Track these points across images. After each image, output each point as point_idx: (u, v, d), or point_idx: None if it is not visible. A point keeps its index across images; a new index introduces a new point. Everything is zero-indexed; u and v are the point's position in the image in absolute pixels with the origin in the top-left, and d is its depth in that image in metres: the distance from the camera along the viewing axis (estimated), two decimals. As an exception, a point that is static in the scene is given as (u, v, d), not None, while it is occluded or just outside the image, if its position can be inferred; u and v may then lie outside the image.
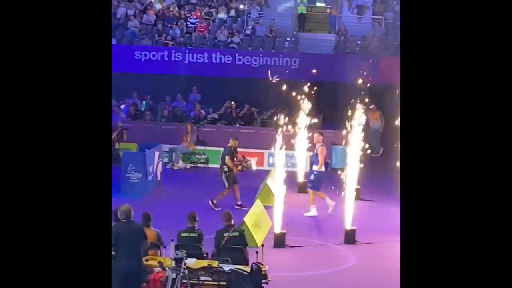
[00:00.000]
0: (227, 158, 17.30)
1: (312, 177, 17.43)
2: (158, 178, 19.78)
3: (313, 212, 17.07)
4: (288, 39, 29.95)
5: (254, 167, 19.20)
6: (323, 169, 17.40)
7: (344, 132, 17.03)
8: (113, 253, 9.92)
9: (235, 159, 17.62)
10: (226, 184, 17.36)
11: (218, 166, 18.34)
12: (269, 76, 17.87)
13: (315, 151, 17.51)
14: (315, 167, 17.43)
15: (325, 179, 17.50)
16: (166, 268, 10.40)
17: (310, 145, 20.56)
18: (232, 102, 25.94)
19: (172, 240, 11.14)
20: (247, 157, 19.26)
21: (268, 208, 15.80)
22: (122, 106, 25.44)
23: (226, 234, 11.77)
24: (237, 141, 17.77)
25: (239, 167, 17.76)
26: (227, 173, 17.32)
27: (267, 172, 19.53)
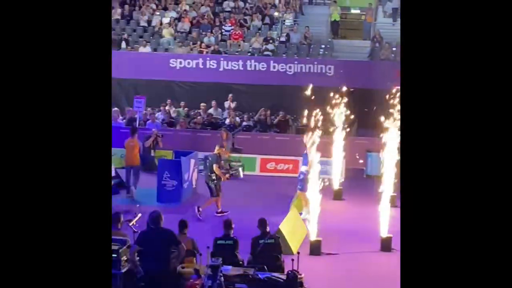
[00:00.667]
0: (215, 166, 17.12)
1: (301, 177, 17.27)
2: (194, 186, 19.84)
3: (305, 214, 16.93)
4: (323, 46, 29.92)
5: (241, 175, 19.24)
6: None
7: (379, 139, 16.97)
8: (137, 258, 10.06)
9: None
10: (215, 193, 17.26)
11: (253, 173, 18.34)
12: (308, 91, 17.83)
13: (305, 152, 17.33)
14: (303, 168, 17.30)
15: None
16: (202, 276, 10.43)
17: (344, 153, 20.54)
18: (267, 110, 25.95)
19: (208, 247, 11.18)
20: (234, 163, 19.29)
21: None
22: (158, 114, 25.57)
23: (261, 241, 11.78)
24: (224, 149, 17.61)
25: (227, 175, 17.70)
26: (215, 181, 17.22)
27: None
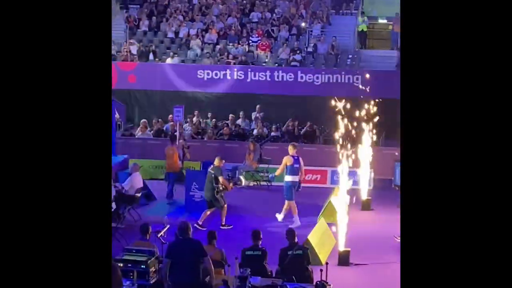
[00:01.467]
0: (221, 179, 17.06)
1: (288, 185, 17.61)
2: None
3: (297, 222, 17.06)
4: (350, 56, 29.87)
5: (244, 183, 19.36)
6: (296, 179, 17.60)
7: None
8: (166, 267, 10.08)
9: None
10: (222, 202, 17.13)
11: (281, 184, 18.29)
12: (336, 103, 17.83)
13: (292, 163, 17.61)
14: (289, 178, 17.55)
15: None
16: (231, 287, 10.41)
17: (372, 163, 20.47)
18: (295, 120, 25.95)
19: (236, 258, 11.17)
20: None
21: (332, 225, 15.72)
22: (186, 125, 25.64)
23: (290, 252, 11.76)
24: (224, 161, 17.62)
25: (231, 185, 17.71)
26: (222, 192, 17.14)
27: (330, 190, 19.44)
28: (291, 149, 17.91)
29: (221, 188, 17.07)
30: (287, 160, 17.72)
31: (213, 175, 16.99)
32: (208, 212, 17.16)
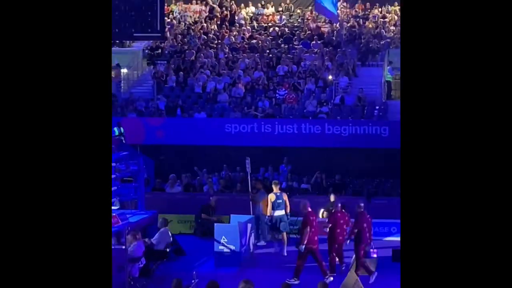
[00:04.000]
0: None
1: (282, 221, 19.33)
2: (251, 250, 19.77)
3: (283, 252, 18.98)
4: (377, 107, 29.87)
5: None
6: (283, 212, 19.44)
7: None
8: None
9: None
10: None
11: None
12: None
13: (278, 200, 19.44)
14: (279, 212, 19.34)
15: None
16: None
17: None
18: (323, 173, 25.88)
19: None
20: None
21: (363, 277, 15.55)
22: (214, 179, 25.67)
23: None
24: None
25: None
26: None
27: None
28: (274, 187, 19.75)
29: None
30: (271, 197, 19.41)
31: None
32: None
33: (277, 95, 30.85)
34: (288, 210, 19.74)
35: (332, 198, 20.23)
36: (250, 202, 21.05)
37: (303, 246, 16.49)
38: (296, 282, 16.43)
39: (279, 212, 19.31)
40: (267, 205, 19.85)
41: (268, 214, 19.66)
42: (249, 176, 22.30)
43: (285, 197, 19.45)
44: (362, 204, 17.65)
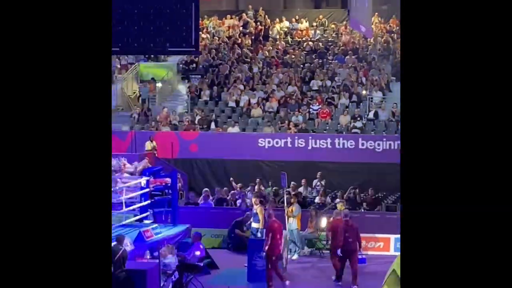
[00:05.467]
0: None
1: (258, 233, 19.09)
2: (284, 265, 19.69)
3: None
4: (411, 122, 29.66)
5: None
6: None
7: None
8: None
9: None
10: None
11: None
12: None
13: (254, 211, 19.51)
14: (255, 225, 19.28)
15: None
16: None
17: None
18: (356, 188, 25.77)
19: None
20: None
21: None
22: (248, 193, 25.66)
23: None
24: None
25: None
26: None
27: (393, 258, 19.10)
28: (256, 200, 19.89)
29: None
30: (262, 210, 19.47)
31: None
32: None
33: (310, 109, 30.84)
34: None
35: (339, 206, 20.33)
36: (286, 217, 21.00)
37: (264, 253, 17.44)
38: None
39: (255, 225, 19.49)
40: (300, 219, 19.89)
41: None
42: (284, 191, 22.27)
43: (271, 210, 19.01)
44: (345, 214, 18.39)
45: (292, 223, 20.95)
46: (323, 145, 27.77)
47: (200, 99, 32.63)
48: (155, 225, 19.16)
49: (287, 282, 17.51)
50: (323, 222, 20.90)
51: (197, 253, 17.65)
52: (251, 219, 19.95)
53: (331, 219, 19.74)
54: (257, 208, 19.46)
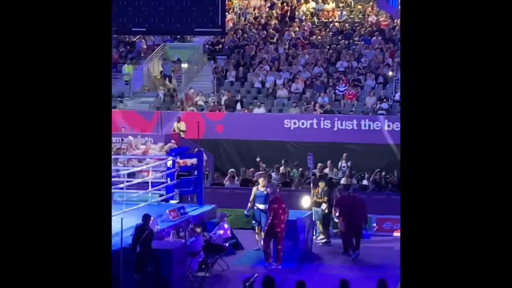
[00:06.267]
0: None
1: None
2: (310, 246, 19.74)
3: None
4: (438, 104, 29.50)
5: None
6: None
7: None
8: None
9: None
10: None
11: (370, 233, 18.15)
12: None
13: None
14: (260, 206, 18.49)
15: None
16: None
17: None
18: (382, 170, 25.67)
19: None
20: None
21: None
22: (273, 174, 25.66)
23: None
24: None
25: None
26: None
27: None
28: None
29: None
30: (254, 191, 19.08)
31: None
32: None
33: (336, 91, 30.73)
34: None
35: (343, 181, 20.33)
36: (312, 198, 20.98)
37: (265, 228, 17.66)
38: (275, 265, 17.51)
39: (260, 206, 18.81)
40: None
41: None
42: (311, 172, 22.25)
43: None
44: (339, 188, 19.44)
45: (318, 205, 20.89)
46: (349, 126, 27.71)
47: (226, 80, 32.63)
48: (181, 205, 19.23)
49: (279, 266, 17.60)
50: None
51: (222, 232, 17.70)
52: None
53: (338, 194, 19.96)
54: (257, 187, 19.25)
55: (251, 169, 25.74)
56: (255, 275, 12.72)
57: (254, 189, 18.89)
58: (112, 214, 16.31)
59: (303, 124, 27.97)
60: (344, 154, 26.63)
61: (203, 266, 16.75)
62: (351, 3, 38.10)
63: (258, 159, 26.24)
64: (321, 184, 20.59)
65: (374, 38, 34.21)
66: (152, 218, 15.95)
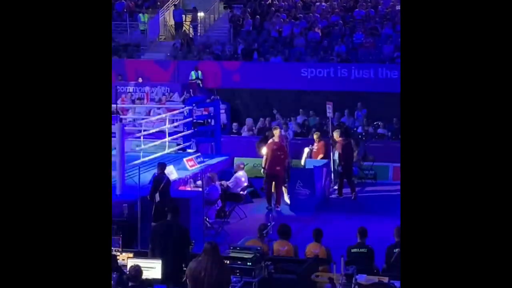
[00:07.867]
0: None
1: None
2: (326, 194, 19.84)
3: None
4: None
5: None
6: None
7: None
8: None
9: None
10: None
11: (386, 181, 18.23)
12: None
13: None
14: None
15: None
16: (337, 284, 10.38)
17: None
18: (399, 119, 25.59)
19: (342, 256, 11.10)
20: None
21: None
22: (291, 123, 25.68)
23: (396, 250, 11.62)
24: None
25: None
26: None
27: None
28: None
29: None
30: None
31: None
32: None
33: (354, 39, 30.52)
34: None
35: (335, 135, 20.69)
36: (330, 146, 21.01)
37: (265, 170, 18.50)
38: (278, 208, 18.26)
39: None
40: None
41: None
42: (330, 121, 22.26)
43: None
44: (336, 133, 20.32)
45: (336, 153, 20.89)
46: (366, 75, 27.57)
47: (242, 29, 32.46)
48: (198, 154, 19.34)
49: (278, 207, 18.33)
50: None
51: (241, 180, 17.82)
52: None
53: (341, 141, 20.35)
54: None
55: (267, 118, 25.78)
56: (272, 223, 12.85)
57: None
58: (130, 163, 16.54)
59: (320, 72, 27.85)
60: (359, 103, 26.55)
61: (222, 214, 16.92)
62: (369, -50, 37.60)
63: (275, 111, 26.24)
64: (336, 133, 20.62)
65: (392, -15, 33.83)
66: (169, 167, 16.07)
